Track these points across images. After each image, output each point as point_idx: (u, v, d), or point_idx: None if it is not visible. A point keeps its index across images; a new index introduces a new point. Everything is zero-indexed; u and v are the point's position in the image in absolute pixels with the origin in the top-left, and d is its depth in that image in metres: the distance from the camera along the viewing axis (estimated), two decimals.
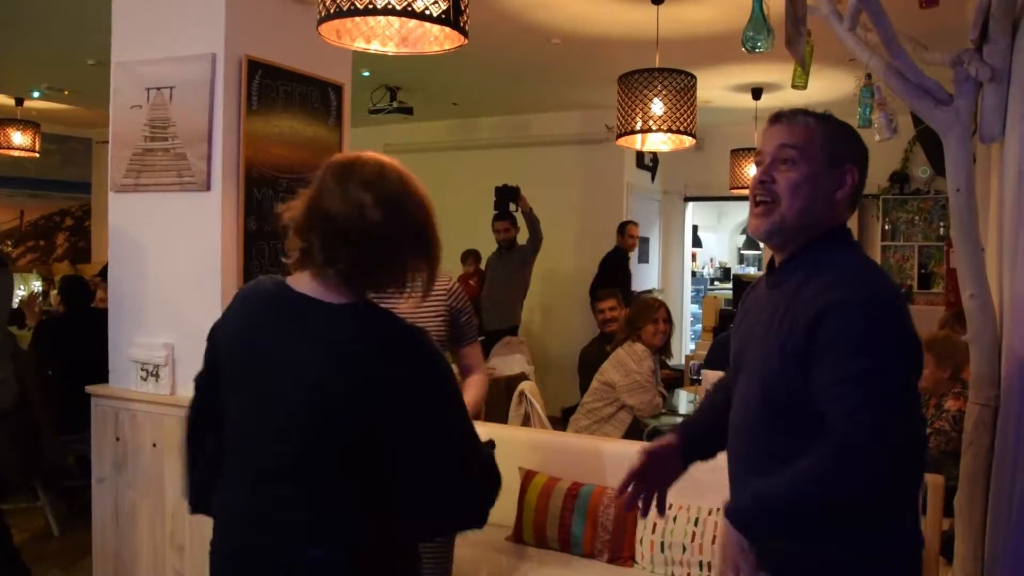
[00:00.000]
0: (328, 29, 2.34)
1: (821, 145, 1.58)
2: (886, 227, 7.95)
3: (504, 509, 3.30)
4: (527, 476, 3.29)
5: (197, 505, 1.70)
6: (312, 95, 3.53)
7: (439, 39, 2.44)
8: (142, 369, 3.25)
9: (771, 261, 1.68)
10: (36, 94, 7.92)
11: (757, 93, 6.72)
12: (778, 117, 1.64)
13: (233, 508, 1.59)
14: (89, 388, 3.42)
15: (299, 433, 1.49)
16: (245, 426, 1.58)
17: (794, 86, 3.54)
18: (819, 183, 1.57)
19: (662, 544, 3.01)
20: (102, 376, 3.47)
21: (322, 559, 1.47)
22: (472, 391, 2.57)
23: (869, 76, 4.07)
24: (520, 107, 7.98)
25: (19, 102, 8.16)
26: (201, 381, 1.71)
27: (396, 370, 1.47)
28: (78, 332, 4.83)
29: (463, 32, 2.25)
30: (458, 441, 1.54)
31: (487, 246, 7.19)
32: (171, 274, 3.28)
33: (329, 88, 3.62)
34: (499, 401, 4.73)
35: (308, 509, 1.49)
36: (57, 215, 10.25)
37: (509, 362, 5.54)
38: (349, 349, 1.47)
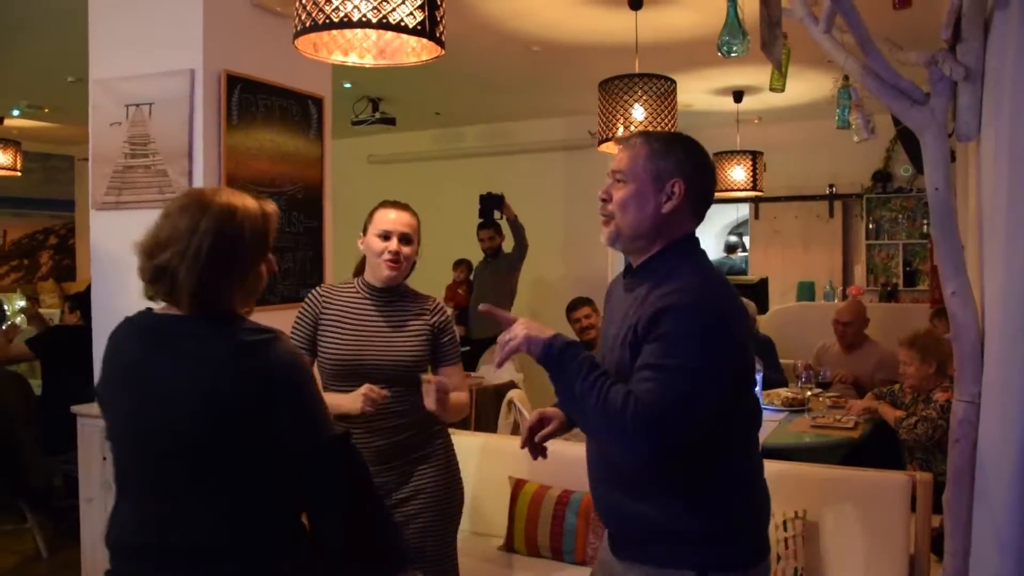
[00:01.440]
0: (304, 43, 2.34)
1: (644, 165, 1.77)
2: (870, 226, 8.00)
3: (495, 518, 3.30)
4: (517, 485, 3.29)
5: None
6: (292, 108, 3.53)
7: (416, 50, 2.44)
8: None
9: (628, 264, 1.88)
10: (16, 112, 7.88)
11: (738, 96, 6.75)
12: (617, 141, 1.92)
13: (124, 538, 1.62)
14: (75, 408, 3.40)
15: (180, 451, 1.55)
16: (128, 453, 1.63)
17: (772, 89, 3.57)
18: (644, 198, 1.76)
19: None
20: (88, 396, 3.45)
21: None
22: (455, 412, 2.53)
23: (847, 78, 4.10)
24: (503, 115, 7.99)
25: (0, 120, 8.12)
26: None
27: (256, 373, 1.54)
28: (63, 350, 4.80)
29: (440, 43, 2.25)
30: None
31: (475, 255, 7.18)
32: None
33: (309, 101, 3.61)
34: (488, 410, 4.72)
35: (195, 528, 1.55)
36: (41, 233, 10.18)
37: (499, 370, 5.53)
38: (208, 360, 1.55)
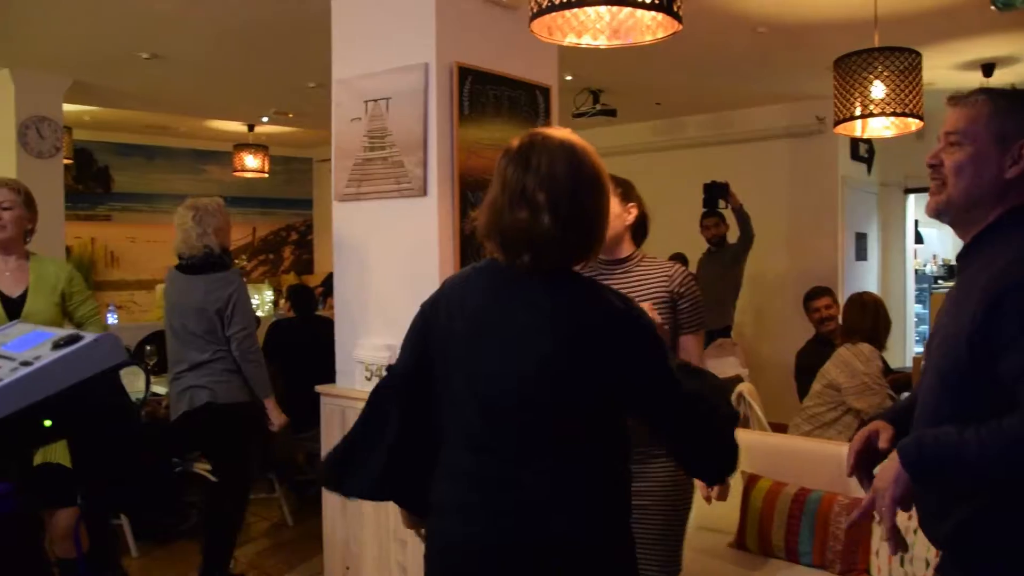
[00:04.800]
0: (539, 26, 2.35)
1: (987, 125, 1.58)
2: None
3: (726, 514, 3.19)
4: (750, 480, 3.15)
5: (349, 486, 1.80)
6: (520, 99, 3.57)
7: (651, 27, 2.39)
8: (366, 369, 3.40)
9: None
10: (265, 119, 8.57)
11: (989, 69, 6.14)
12: (951, 99, 1.65)
13: (460, 496, 1.64)
14: (318, 388, 3.62)
15: (536, 406, 1.58)
16: (471, 405, 1.64)
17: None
18: (985, 162, 1.57)
19: (901, 558, 2.78)
20: (329, 377, 3.67)
21: (565, 529, 1.55)
22: None
23: None
24: (725, 103, 7.74)
25: (251, 128, 8.87)
26: (401, 367, 1.79)
27: (615, 334, 1.57)
28: (305, 336, 5.16)
29: (677, 17, 2.19)
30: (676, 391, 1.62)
31: (694, 248, 7.01)
32: (391, 277, 3.41)
33: (537, 91, 3.64)
34: None
35: (549, 484, 1.56)
36: (284, 230, 11.06)
37: (722, 364, 5.37)
38: (570, 317, 1.58)
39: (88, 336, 1.34)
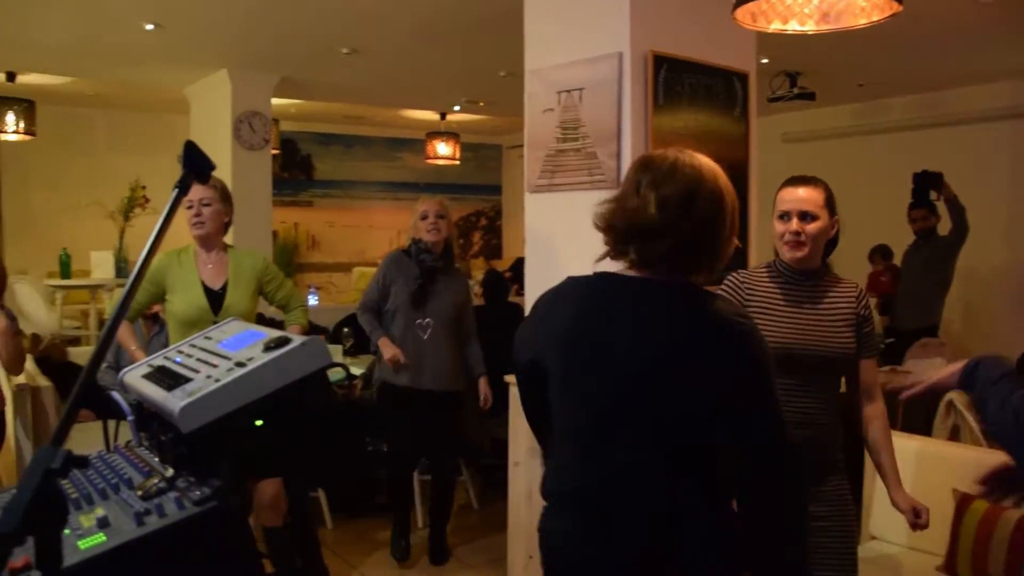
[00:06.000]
0: (743, 13, 2.24)
1: None
2: None
3: (935, 535, 2.94)
4: (963, 500, 2.89)
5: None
6: (717, 86, 3.45)
7: (866, 9, 2.23)
8: None
9: None
10: (457, 108, 8.79)
11: None
12: None
13: (572, 492, 1.67)
14: (508, 377, 3.65)
15: (648, 415, 1.57)
16: (575, 404, 1.67)
17: None
18: None
19: None
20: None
21: (661, 541, 1.55)
22: (877, 422, 2.35)
23: None
24: (936, 82, 7.17)
25: (443, 116, 9.13)
26: (527, 368, 1.81)
27: (729, 352, 1.55)
28: (496, 322, 5.24)
29: None
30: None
31: (896, 238, 6.58)
32: (582, 269, 3.37)
33: (734, 78, 3.50)
34: (918, 410, 4.27)
35: (663, 490, 1.56)
36: (473, 216, 11.33)
37: (927, 366, 4.99)
38: (684, 329, 1.56)
39: (296, 340, 1.40)
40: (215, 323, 3.28)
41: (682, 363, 1.54)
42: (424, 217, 4.09)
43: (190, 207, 3.33)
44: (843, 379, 2.39)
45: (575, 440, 1.67)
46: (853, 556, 2.31)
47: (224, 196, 3.39)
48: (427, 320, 4.04)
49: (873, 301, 4.45)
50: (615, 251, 1.69)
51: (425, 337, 4.04)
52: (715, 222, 1.62)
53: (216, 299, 3.33)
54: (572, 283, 1.77)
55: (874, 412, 2.37)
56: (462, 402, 4.24)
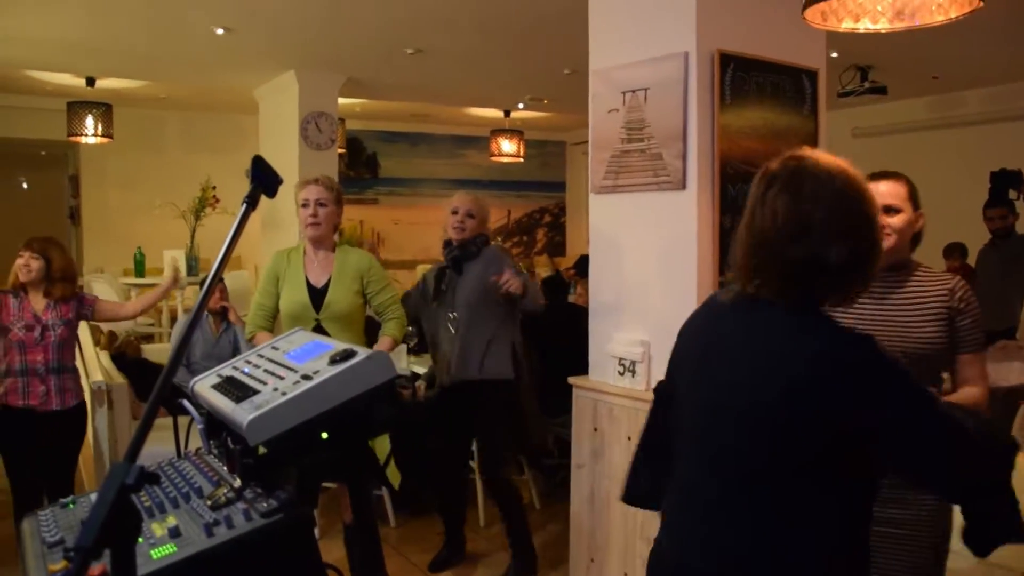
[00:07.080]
0: (813, 13, 2.19)
1: None
2: None
3: (1015, 550, 2.83)
4: None
5: (636, 498, 1.86)
6: (784, 84, 3.37)
7: (943, 6, 2.15)
8: (619, 364, 3.37)
9: None
10: (521, 105, 8.78)
11: None
12: None
13: (686, 518, 1.61)
14: (571, 379, 3.64)
15: (751, 444, 1.49)
16: (693, 428, 1.62)
17: None
18: None
19: None
20: (581, 367, 3.68)
21: (792, 564, 1.46)
22: (970, 389, 2.21)
23: None
24: (1016, 73, 6.92)
25: (507, 113, 9.13)
26: (660, 388, 1.80)
27: (853, 387, 1.41)
28: (556, 324, 5.22)
29: None
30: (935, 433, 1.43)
31: (971, 236, 6.36)
32: (647, 272, 3.35)
33: (803, 75, 3.42)
34: (993, 417, 4.12)
35: (778, 515, 1.47)
36: (537, 213, 11.33)
37: (1005, 370, 4.81)
38: (795, 357, 1.45)
39: (362, 352, 1.41)
40: (317, 320, 3.39)
41: (802, 397, 1.43)
42: (454, 212, 3.90)
43: (305, 206, 3.45)
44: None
45: (690, 457, 1.64)
46: (939, 572, 2.20)
47: (339, 199, 3.54)
48: (454, 314, 3.87)
49: None
50: (774, 293, 1.52)
51: (455, 331, 3.85)
52: (877, 244, 1.51)
53: (318, 296, 3.46)
54: (707, 305, 1.72)
55: (971, 392, 2.22)
56: (514, 391, 4.01)
